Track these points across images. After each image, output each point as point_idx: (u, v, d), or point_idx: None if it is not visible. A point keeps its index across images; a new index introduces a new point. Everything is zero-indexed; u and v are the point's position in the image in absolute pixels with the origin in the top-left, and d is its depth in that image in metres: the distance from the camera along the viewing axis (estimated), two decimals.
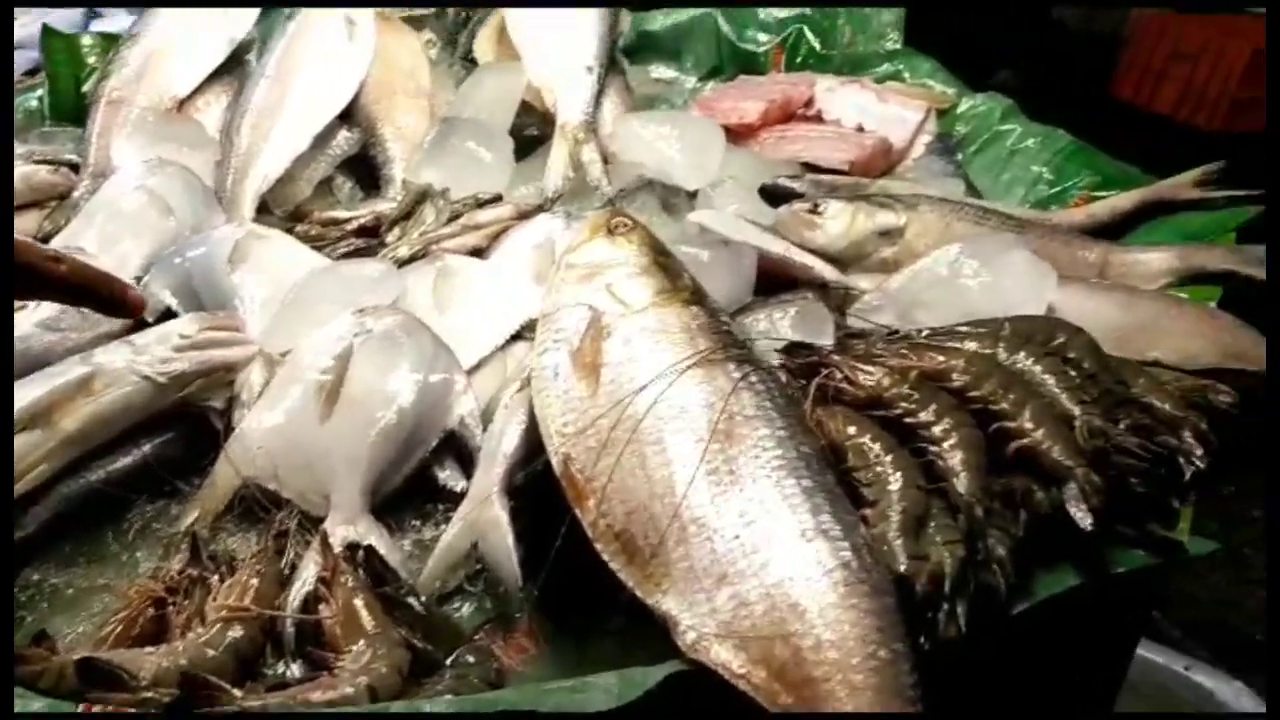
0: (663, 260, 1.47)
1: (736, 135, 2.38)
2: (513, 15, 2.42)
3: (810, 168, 2.27)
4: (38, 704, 0.99)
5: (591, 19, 2.36)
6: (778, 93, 2.49)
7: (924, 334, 1.49)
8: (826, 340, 1.51)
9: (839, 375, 1.36)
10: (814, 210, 1.90)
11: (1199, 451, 1.37)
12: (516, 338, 1.63)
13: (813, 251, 1.87)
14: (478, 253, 1.90)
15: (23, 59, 3.06)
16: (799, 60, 2.74)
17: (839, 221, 1.88)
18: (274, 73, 2.20)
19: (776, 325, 1.55)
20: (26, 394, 1.36)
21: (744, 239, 1.80)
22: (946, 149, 2.40)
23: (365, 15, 2.36)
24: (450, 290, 1.69)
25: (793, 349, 1.43)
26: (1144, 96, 6.48)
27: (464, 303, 1.67)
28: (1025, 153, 2.33)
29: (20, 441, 1.33)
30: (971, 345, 1.43)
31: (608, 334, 1.36)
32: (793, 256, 1.78)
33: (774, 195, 2.09)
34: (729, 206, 2.08)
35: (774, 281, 1.80)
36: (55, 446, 1.36)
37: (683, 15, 2.81)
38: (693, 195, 2.12)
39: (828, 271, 1.81)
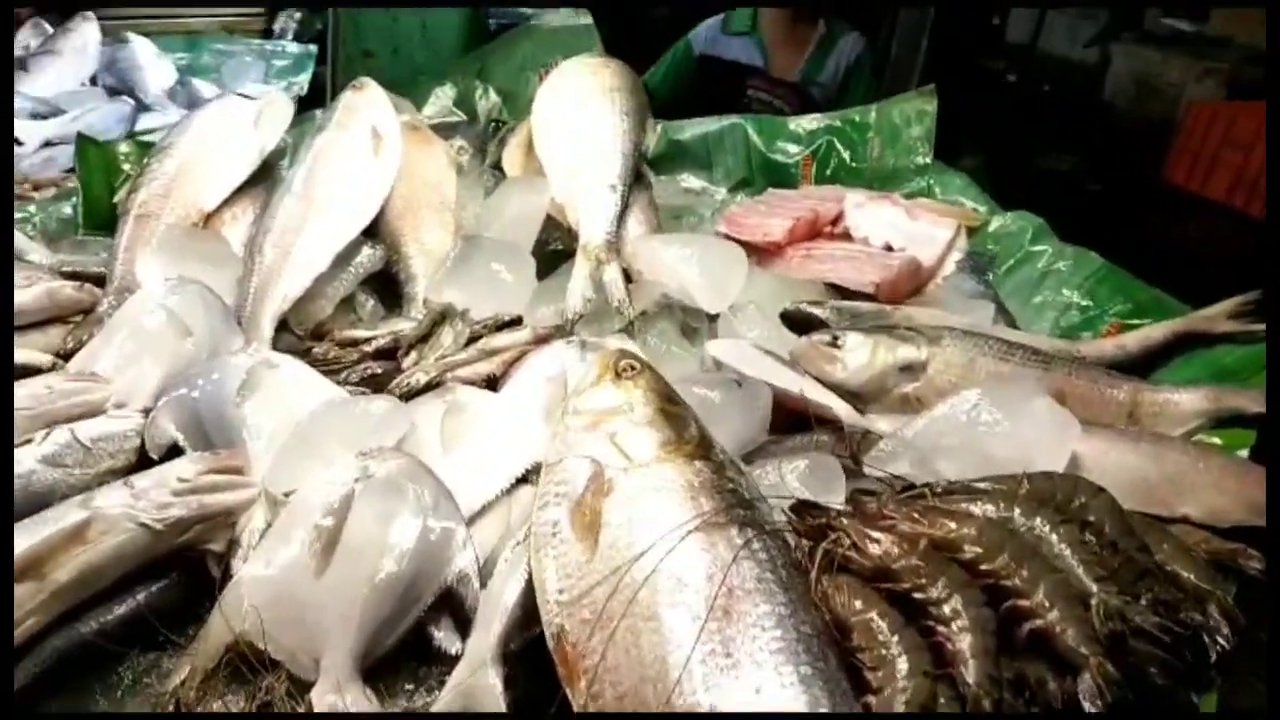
0: (669, 409, 1.44)
1: (762, 253, 2.36)
2: (540, 128, 2.42)
3: (836, 288, 2.24)
4: None
5: (616, 135, 2.36)
6: (805, 209, 2.46)
7: (939, 489, 1.44)
8: (837, 497, 1.47)
9: (847, 541, 1.32)
10: (833, 343, 1.87)
11: (1225, 630, 1.31)
12: (523, 480, 1.60)
13: (832, 386, 1.83)
14: (493, 380, 1.89)
15: (65, 155, 3.13)
16: (828, 172, 2.73)
17: (859, 355, 1.85)
18: (300, 189, 2.21)
19: (786, 479, 1.51)
20: (22, 542, 1.35)
21: (760, 376, 1.77)
22: (977, 268, 2.37)
23: (392, 128, 2.38)
24: (458, 426, 1.66)
25: (801, 509, 1.39)
26: (1196, 183, 6.42)
27: (472, 441, 1.64)
28: (1057, 275, 2.29)
29: (15, 593, 1.32)
30: (987, 508, 1.38)
31: (609, 490, 1.33)
32: (809, 395, 1.74)
33: (795, 321, 2.06)
34: (750, 332, 2.06)
35: (791, 415, 1.77)
36: (47, 599, 1.34)
37: (713, 125, 2.81)
38: (714, 318, 2.10)
39: (844, 412, 1.77)
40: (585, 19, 2.89)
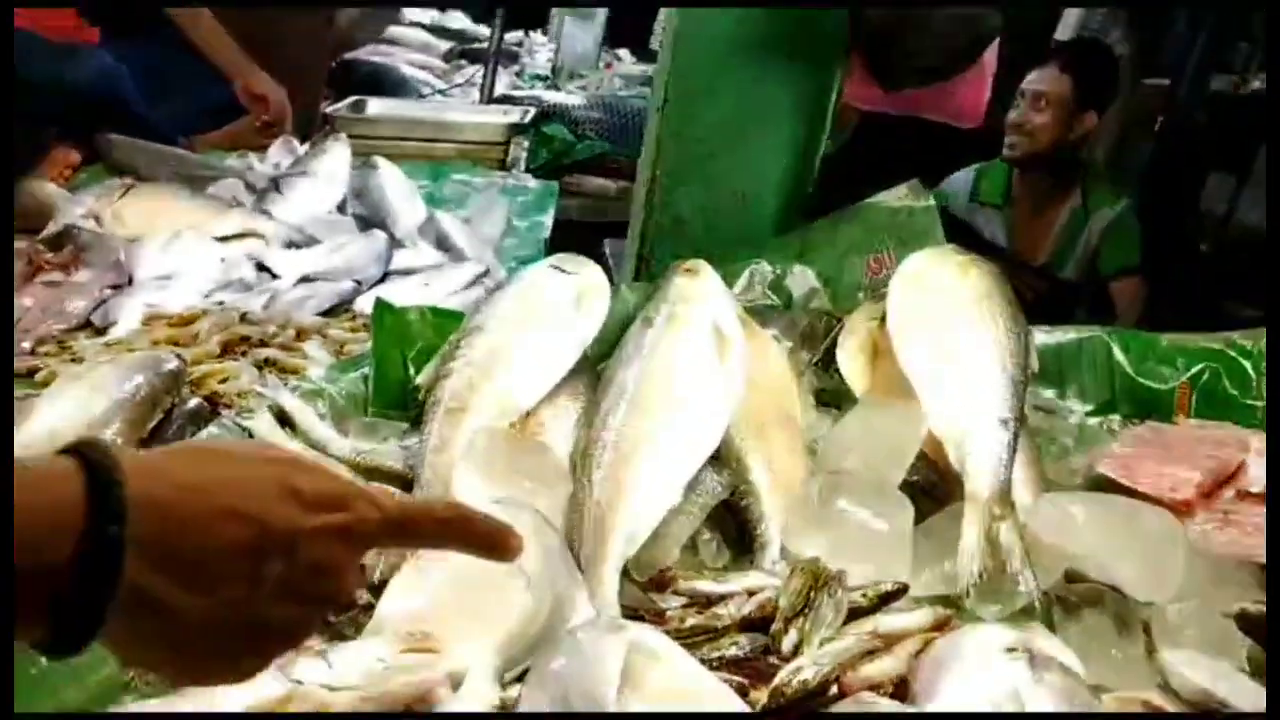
0: None
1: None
2: (903, 342, 2.06)
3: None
4: None
5: (1003, 359, 1.97)
6: (1209, 456, 2.05)
7: None
8: None
9: None
10: None
11: None
12: None
13: None
14: (901, 681, 1.52)
15: (323, 293, 2.93)
16: (1210, 405, 2.31)
17: None
18: (636, 399, 1.89)
19: None
20: None
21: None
22: None
23: (735, 326, 2.06)
24: None
25: None
26: None
27: None
28: None
29: None
30: None
31: None
32: None
33: (1254, 625, 1.65)
34: (1187, 628, 1.67)
35: None
36: None
37: (1069, 335, 2.42)
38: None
39: None
40: (926, 200, 2.55)
